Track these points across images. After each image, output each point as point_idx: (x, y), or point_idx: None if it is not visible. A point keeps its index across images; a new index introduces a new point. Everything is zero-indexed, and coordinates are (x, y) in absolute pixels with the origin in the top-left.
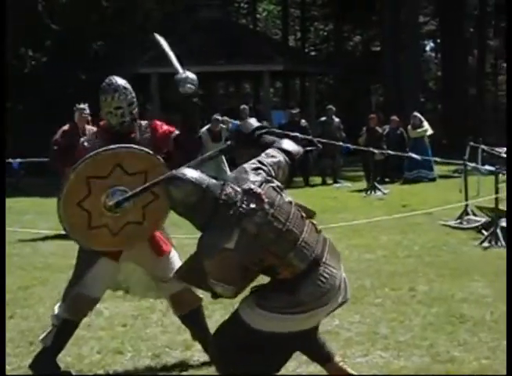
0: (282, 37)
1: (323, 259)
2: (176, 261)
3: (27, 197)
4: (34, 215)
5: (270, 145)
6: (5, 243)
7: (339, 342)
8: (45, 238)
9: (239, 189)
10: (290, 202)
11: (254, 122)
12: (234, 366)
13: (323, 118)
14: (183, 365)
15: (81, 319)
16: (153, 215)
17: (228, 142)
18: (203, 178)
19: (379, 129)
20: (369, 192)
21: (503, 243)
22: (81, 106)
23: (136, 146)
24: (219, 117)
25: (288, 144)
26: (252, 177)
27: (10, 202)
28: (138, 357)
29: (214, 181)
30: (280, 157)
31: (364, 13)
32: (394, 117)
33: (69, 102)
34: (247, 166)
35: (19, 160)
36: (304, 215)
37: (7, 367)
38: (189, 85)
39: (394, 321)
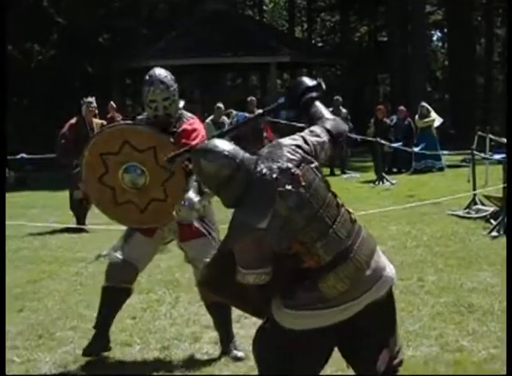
0: (288, 28)
1: (352, 253)
2: (207, 248)
3: (34, 190)
4: (41, 209)
5: (315, 118)
6: (5, 238)
7: None
8: (53, 231)
9: (274, 167)
10: (328, 186)
11: (307, 80)
12: (274, 368)
13: (330, 109)
14: (192, 357)
15: (122, 285)
16: (174, 192)
17: (279, 101)
18: (237, 150)
19: (387, 120)
20: (377, 182)
21: None
22: (89, 99)
23: (139, 124)
24: (221, 105)
25: (334, 124)
26: (289, 154)
27: (17, 196)
28: (147, 349)
29: (248, 155)
30: (325, 137)
31: (370, 3)
32: (402, 108)
33: (76, 95)
34: (284, 141)
35: (24, 155)
36: (340, 202)
37: (16, 360)
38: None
39: (403, 311)
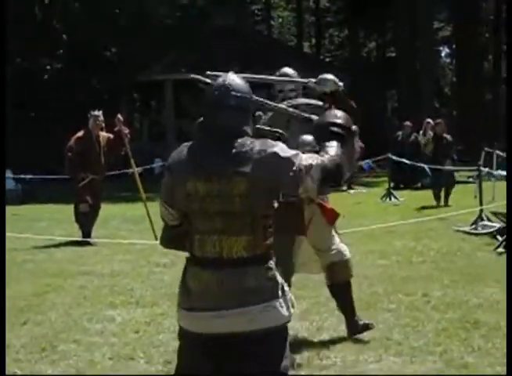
0: (297, 43)
1: None
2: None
3: (42, 203)
4: (48, 222)
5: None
6: (5, 249)
7: (351, 348)
8: (59, 245)
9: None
10: None
11: (335, 117)
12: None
13: None
14: None
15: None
16: None
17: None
18: None
19: (447, 136)
20: (384, 198)
21: None
22: (96, 112)
23: None
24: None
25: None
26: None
27: (24, 209)
28: (150, 364)
29: None
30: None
31: (379, 19)
32: (408, 123)
33: (83, 110)
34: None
35: (30, 176)
36: None
37: (18, 372)
38: None
39: (408, 327)
